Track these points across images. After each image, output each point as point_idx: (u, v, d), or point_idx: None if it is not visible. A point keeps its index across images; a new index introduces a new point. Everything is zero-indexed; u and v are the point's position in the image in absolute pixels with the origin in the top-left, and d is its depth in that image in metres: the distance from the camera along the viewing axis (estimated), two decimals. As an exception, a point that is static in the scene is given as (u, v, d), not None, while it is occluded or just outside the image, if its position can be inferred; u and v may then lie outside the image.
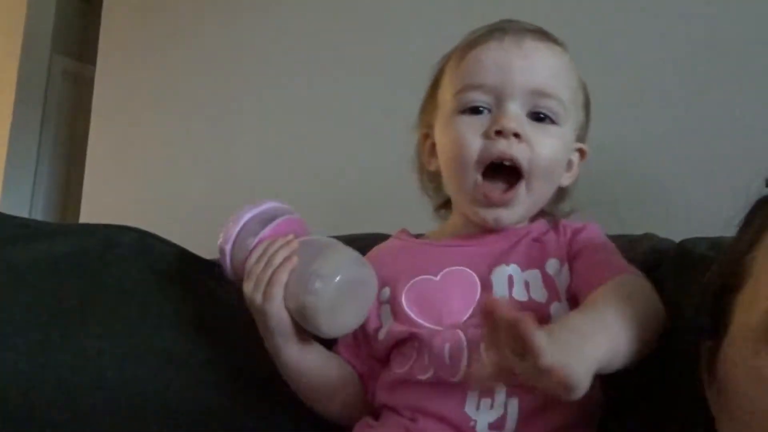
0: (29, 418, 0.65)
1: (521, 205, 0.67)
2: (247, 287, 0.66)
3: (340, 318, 0.65)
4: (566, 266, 0.66)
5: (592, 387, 0.45)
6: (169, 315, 0.75)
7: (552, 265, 0.66)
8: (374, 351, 0.69)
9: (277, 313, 0.65)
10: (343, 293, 0.64)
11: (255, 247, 0.68)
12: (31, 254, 0.75)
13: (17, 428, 0.64)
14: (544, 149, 0.65)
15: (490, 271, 0.66)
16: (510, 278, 0.65)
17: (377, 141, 1.24)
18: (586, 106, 0.73)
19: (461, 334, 0.61)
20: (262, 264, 0.66)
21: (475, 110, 0.66)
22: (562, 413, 0.59)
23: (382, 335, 0.67)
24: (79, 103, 2.69)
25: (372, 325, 0.68)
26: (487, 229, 0.69)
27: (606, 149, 0.85)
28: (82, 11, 2.86)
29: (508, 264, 0.66)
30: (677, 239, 0.71)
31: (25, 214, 2.61)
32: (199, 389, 0.72)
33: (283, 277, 0.64)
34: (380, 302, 0.68)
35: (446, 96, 0.70)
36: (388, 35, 1.29)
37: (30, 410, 0.65)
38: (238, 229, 0.69)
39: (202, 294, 0.79)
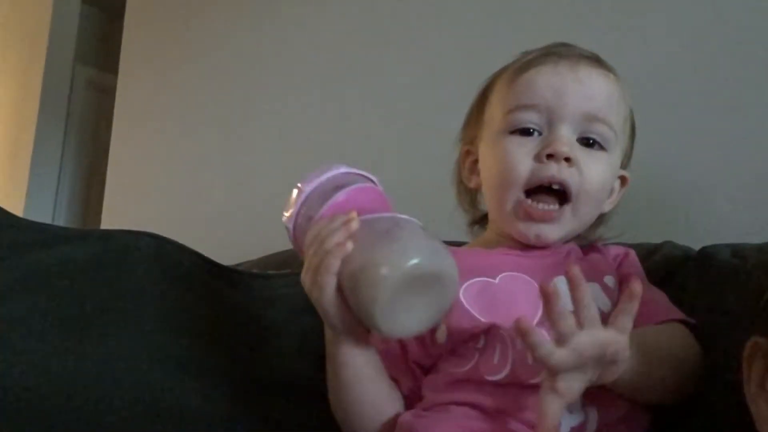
0: (47, 423, 0.65)
1: (565, 224, 0.67)
2: (302, 275, 0.59)
3: (404, 316, 0.55)
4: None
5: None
6: (186, 321, 0.75)
7: (609, 279, 0.66)
8: (424, 357, 0.65)
9: (330, 305, 0.57)
10: (410, 285, 0.53)
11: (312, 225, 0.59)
12: (49, 259, 0.75)
13: (35, 430, 0.64)
14: (593, 175, 0.66)
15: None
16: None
17: (396, 148, 1.24)
18: (633, 134, 0.73)
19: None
20: (313, 248, 0.58)
21: (526, 131, 0.67)
22: (636, 427, 0.60)
23: (441, 336, 0.62)
24: (102, 112, 2.73)
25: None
26: (528, 247, 0.68)
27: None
28: (104, 22, 2.91)
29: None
30: (696, 247, 0.70)
31: (48, 220, 2.65)
32: (216, 396, 0.72)
33: (334, 263, 0.56)
34: None
35: (496, 114, 0.70)
36: (405, 43, 1.29)
37: (48, 415, 0.65)
38: (300, 201, 0.61)
39: (220, 301, 0.79)
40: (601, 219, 0.73)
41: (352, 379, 0.62)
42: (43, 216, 2.66)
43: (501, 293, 0.64)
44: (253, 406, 0.73)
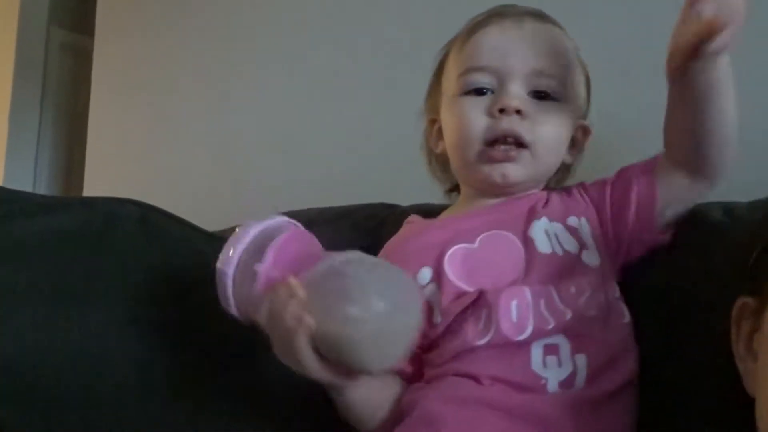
0: (35, 392, 0.65)
1: (527, 165, 0.68)
2: (278, 355, 0.58)
3: (390, 348, 0.56)
4: (584, 219, 0.68)
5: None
6: (173, 287, 0.75)
7: (573, 220, 0.68)
8: (423, 339, 0.64)
9: (320, 374, 0.57)
10: (384, 329, 0.54)
11: (260, 293, 0.58)
12: (33, 229, 0.74)
13: (24, 402, 0.64)
14: (547, 126, 0.68)
15: (525, 229, 0.67)
16: (546, 232, 0.67)
17: (381, 119, 1.22)
18: (587, 84, 0.74)
19: (527, 290, 0.62)
20: (274, 330, 0.57)
21: (479, 92, 0.69)
22: (623, 371, 0.61)
23: (437, 319, 0.64)
24: (79, 75, 2.67)
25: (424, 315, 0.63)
26: (499, 195, 0.71)
27: (612, 116, 0.84)
28: (78, -18, 2.82)
29: (539, 218, 0.67)
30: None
31: (28, 188, 2.61)
32: (206, 365, 0.72)
33: (303, 341, 0.54)
34: (422, 286, 0.65)
35: (450, 79, 0.72)
36: (394, 14, 1.26)
37: (36, 384, 0.65)
38: (240, 251, 0.60)
39: (206, 267, 0.79)
40: (567, 171, 0.76)
41: (366, 410, 0.62)
42: (23, 183, 2.62)
43: (482, 256, 0.66)
44: (244, 372, 0.73)
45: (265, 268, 0.58)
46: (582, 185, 0.73)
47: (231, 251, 0.60)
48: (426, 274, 0.66)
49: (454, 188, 0.80)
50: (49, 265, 0.71)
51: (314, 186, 1.26)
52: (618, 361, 0.61)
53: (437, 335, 0.64)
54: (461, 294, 0.63)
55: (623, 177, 0.69)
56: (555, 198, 0.71)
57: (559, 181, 0.76)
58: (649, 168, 0.67)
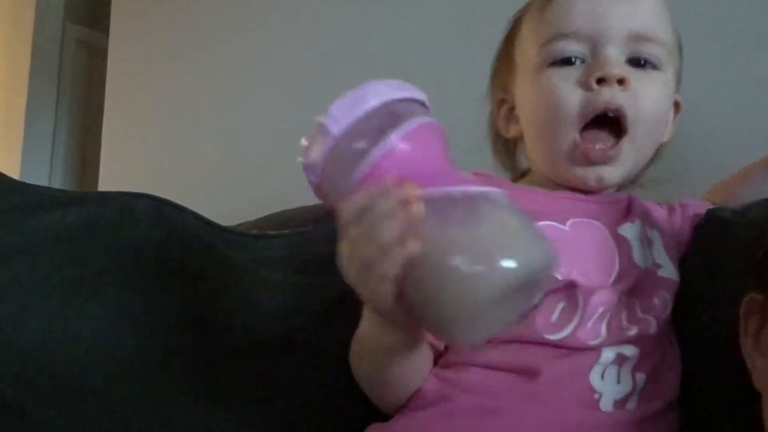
0: (50, 385, 0.66)
1: (626, 161, 0.60)
2: (345, 263, 0.44)
3: (485, 324, 0.42)
4: (656, 233, 0.63)
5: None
6: (186, 282, 0.75)
7: (652, 231, 0.63)
8: None
9: (387, 312, 0.45)
10: (502, 297, 0.40)
11: (356, 191, 0.43)
12: (47, 223, 0.75)
13: (38, 395, 0.65)
14: (650, 97, 0.59)
15: (617, 225, 0.60)
16: (638, 236, 0.61)
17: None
18: (680, 52, 0.66)
19: (616, 295, 0.56)
20: (361, 236, 0.42)
21: (567, 61, 0.60)
22: (670, 390, 0.58)
23: None
24: (94, 71, 2.69)
25: None
26: (586, 191, 0.62)
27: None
28: (93, -22, 2.84)
29: (632, 221, 0.61)
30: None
31: (44, 182, 2.64)
32: (216, 354, 0.73)
33: (392, 269, 0.41)
34: None
35: (529, 50, 0.63)
36: (405, 11, 1.26)
37: (51, 378, 0.66)
38: (328, 148, 0.43)
39: (220, 261, 0.80)
40: (658, 153, 0.66)
41: (396, 367, 0.53)
42: (39, 178, 2.64)
43: (573, 243, 0.58)
44: (252, 364, 0.74)
45: (392, 140, 0.42)
46: (668, 204, 0.69)
47: (343, 109, 0.44)
48: None
49: (522, 175, 0.70)
50: (64, 259, 0.72)
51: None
52: (667, 381, 0.58)
53: None
54: None
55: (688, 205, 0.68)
56: (637, 203, 0.65)
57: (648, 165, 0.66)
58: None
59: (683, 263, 0.64)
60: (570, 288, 0.55)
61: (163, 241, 0.77)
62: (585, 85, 0.58)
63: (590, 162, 0.59)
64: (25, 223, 0.74)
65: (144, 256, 0.75)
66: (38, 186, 0.82)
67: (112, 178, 1.89)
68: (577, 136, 0.59)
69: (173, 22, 1.78)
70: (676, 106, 0.67)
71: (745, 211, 0.64)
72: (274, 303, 0.68)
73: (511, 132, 0.67)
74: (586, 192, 0.62)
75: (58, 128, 2.80)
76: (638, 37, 0.59)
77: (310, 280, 0.75)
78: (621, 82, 0.57)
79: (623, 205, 0.64)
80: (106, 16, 2.02)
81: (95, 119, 2.19)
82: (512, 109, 0.67)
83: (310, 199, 0.92)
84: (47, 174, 2.76)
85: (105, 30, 2.03)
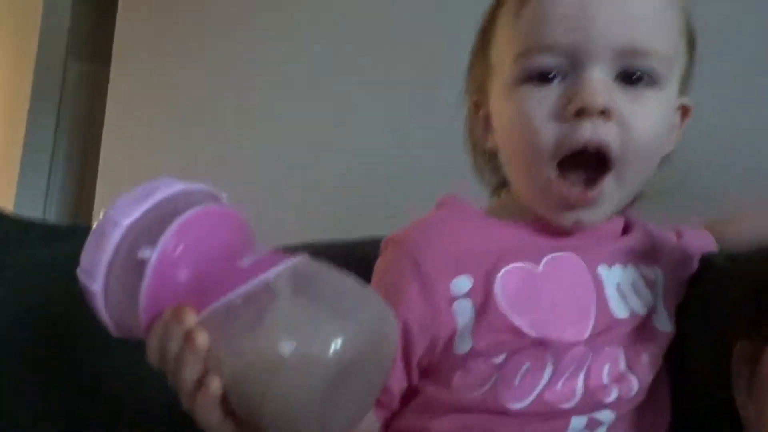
0: (51, 406, 0.65)
1: (609, 202, 0.51)
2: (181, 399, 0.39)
3: (332, 410, 0.36)
4: (660, 271, 0.56)
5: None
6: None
7: (647, 269, 0.56)
8: (427, 361, 0.49)
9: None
10: (330, 384, 0.34)
11: (147, 322, 0.37)
12: (41, 255, 0.74)
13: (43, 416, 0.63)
14: (643, 126, 0.49)
15: (596, 265, 0.53)
16: (619, 287, 0.53)
17: (400, 150, 1.22)
18: (692, 48, 0.54)
19: (595, 350, 0.49)
20: (171, 378, 0.39)
21: (543, 77, 0.50)
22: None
23: (462, 347, 0.48)
24: (94, 104, 2.70)
25: (438, 333, 0.48)
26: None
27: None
28: (96, 13, 2.88)
29: (612, 265, 0.53)
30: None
31: (38, 215, 2.63)
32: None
33: (208, 401, 0.37)
34: (452, 297, 0.49)
35: (503, 57, 0.53)
36: (391, 35, 1.28)
37: (49, 400, 0.65)
38: (112, 249, 0.37)
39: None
40: (662, 163, 0.56)
41: None
42: (33, 210, 2.64)
43: (546, 286, 0.50)
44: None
45: (155, 268, 0.36)
46: (676, 228, 0.62)
47: (125, 208, 0.38)
48: (463, 284, 0.49)
49: (503, 185, 0.61)
50: (55, 291, 0.71)
51: (324, 217, 1.26)
52: None
53: (448, 369, 0.48)
54: (508, 329, 0.48)
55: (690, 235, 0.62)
56: (637, 230, 0.57)
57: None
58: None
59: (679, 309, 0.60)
60: (539, 345, 0.47)
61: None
62: (562, 117, 0.48)
63: (569, 205, 0.50)
64: (17, 255, 0.73)
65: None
66: (31, 219, 0.81)
67: (107, 212, 1.88)
68: (552, 174, 0.50)
69: (175, 58, 1.79)
70: (683, 110, 0.56)
71: (741, 258, 0.63)
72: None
73: (489, 143, 0.57)
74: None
75: (55, 161, 2.80)
76: (630, 52, 0.48)
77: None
78: (604, 113, 0.47)
79: (617, 232, 0.56)
80: (109, 50, 2.04)
81: (92, 153, 2.19)
82: (489, 116, 0.56)
83: (309, 235, 0.91)
84: (42, 206, 2.75)
85: (106, 63, 2.05)
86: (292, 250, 0.64)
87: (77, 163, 2.85)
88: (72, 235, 0.77)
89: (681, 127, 0.56)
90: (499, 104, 0.54)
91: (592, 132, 0.48)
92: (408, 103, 1.21)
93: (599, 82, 0.48)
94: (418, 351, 0.49)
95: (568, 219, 0.52)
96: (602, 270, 0.53)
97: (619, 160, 0.49)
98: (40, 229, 0.78)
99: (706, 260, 0.65)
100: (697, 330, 0.59)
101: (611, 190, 0.50)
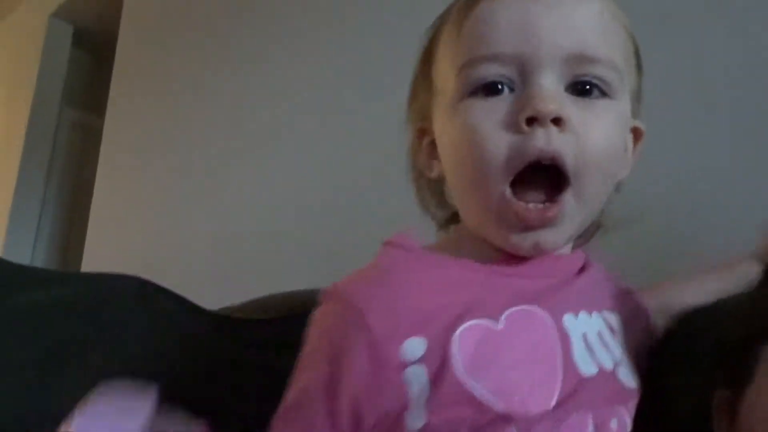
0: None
1: (569, 222, 0.47)
2: None
3: None
4: (617, 317, 0.52)
5: None
6: (168, 361, 0.74)
7: (610, 315, 0.51)
8: None
9: None
10: None
11: None
12: (31, 301, 0.74)
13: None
14: (597, 135, 0.46)
15: (561, 315, 0.47)
16: (585, 339, 0.47)
17: (385, 201, 1.24)
18: (639, 67, 0.52)
19: (558, 427, 0.42)
20: None
21: (492, 89, 0.46)
22: None
23: (415, 424, 0.41)
24: (86, 153, 2.73)
25: (388, 405, 0.42)
26: (521, 257, 0.49)
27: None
28: (93, 64, 2.93)
29: (577, 314, 0.48)
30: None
31: (26, 262, 2.61)
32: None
33: None
34: (406, 362, 0.42)
35: (446, 74, 0.50)
36: (392, 87, 1.31)
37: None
38: None
39: (204, 345, 0.79)
40: (617, 189, 0.54)
41: None
42: (21, 256, 2.62)
43: (508, 346, 0.44)
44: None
45: None
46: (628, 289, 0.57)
47: None
48: (416, 348, 0.42)
49: (452, 219, 0.56)
50: (44, 336, 0.71)
51: (314, 268, 1.26)
52: None
53: None
54: (467, 401, 0.41)
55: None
56: (593, 269, 0.52)
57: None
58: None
59: (658, 357, 0.59)
60: (502, 420, 0.41)
61: (146, 323, 0.76)
62: (514, 126, 0.45)
63: (527, 226, 0.46)
64: (6, 301, 0.73)
65: (126, 334, 0.74)
66: (21, 264, 0.82)
67: (96, 260, 1.88)
68: (506, 190, 0.46)
69: (168, 111, 1.83)
70: (636, 133, 0.53)
71: (718, 307, 0.64)
72: (256, 387, 0.67)
73: (435, 171, 0.53)
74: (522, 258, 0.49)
75: (46, 206, 2.80)
76: (579, 58, 0.46)
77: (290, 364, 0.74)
78: (557, 122, 0.45)
79: (577, 268, 0.51)
80: (104, 100, 2.07)
81: (83, 201, 2.20)
82: (434, 142, 0.52)
83: (299, 285, 0.92)
84: (29, 253, 2.74)
85: (101, 113, 2.08)
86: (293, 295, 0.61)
87: (67, 209, 2.85)
88: (64, 280, 0.77)
89: (634, 151, 0.53)
90: (444, 124, 0.50)
91: (545, 141, 0.44)
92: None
93: (550, 90, 0.45)
94: (367, 429, 0.42)
95: (527, 242, 0.46)
96: (568, 321, 0.47)
97: (576, 173, 0.45)
98: (32, 273, 0.79)
99: (682, 311, 0.66)
100: (676, 380, 0.60)
101: (571, 209, 0.46)
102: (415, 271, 0.47)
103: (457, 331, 0.43)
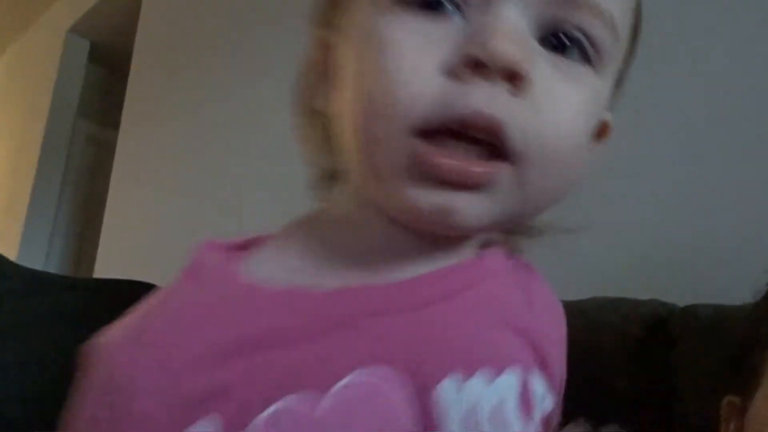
0: None
1: (500, 199, 0.32)
2: None
3: None
4: (538, 376, 0.33)
5: None
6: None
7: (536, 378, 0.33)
8: None
9: None
10: None
11: None
12: (43, 306, 0.76)
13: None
14: (564, 115, 0.32)
15: (434, 381, 0.30)
16: (464, 422, 0.29)
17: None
18: (633, 44, 0.37)
19: None
20: None
21: (433, 5, 0.31)
22: None
23: None
24: (99, 166, 2.76)
25: None
26: (421, 239, 0.34)
27: (613, 213, 0.86)
28: (109, 78, 2.98)
29: (465, 378, 0.30)
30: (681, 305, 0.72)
31: (40, 267, 2.64)
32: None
33: None
34: None
35: None
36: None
37: None
38: None
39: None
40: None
41: None
42: (35, 262, 2.65)
43: None
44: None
45: None
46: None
47: None
48: None
49: (335, 175, 0.40)
50: (57, 340, 0.72)
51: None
52: None
53: None
54: None
55: None
56: (513, 287, 0.36)
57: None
58: None
59: (666, 363, 0.61)
60: None
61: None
62: (450, 69, 0.30)
63: (439, 179, 0.30)
64: (20, 305, 0.75)
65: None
66: (35, 270, 0.83)
67: (108, 273, 1.89)
68: (416, 145, 0.30)
69: (182, 124, 1.85)
70: (602, 129, 0.37)
71: (726, 312, 0.65)
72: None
73: (321, 102, 0.38)
74: (417, 239, 0.34)
75: (59, 219, 2.84)
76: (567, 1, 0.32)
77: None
78: (513, 78, 0.30)
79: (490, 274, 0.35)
80: (118, 113, 2.10)
81: (96, 213, 2.23)
82: (333, 64, 0.36)
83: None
84: (42, 264, 2.77)
85: (115, 126, 2.11)
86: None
87: (80, 221, 2.88)
88: (80, 286, 0.79)
89: (595, 147, 0.36)
90: (357, 41, 0.33)
91: (486, 101, 0.30)
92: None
93: (514, 27, 0.30)
94: None
95: (429, 200, 0.31)
96: (445, 390, 0.30)
97: (521, 157, 0.31)
98: (48, 279, 0.80)
99: (691, 313, 0.67)
100: (685, 384, 0.60)
101: (508, 187, 0.31)
102: (210, 304, 0.33)
103: (265, 414, 0.28)
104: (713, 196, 0.87)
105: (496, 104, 0.30)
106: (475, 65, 0.30)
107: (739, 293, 0.70)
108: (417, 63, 0.31)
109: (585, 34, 0.33)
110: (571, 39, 0.32)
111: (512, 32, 0.30)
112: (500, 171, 0.31)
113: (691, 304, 0.69)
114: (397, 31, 0.31)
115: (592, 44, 0.33)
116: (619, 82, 0.38)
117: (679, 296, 0.76)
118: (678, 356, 0.63)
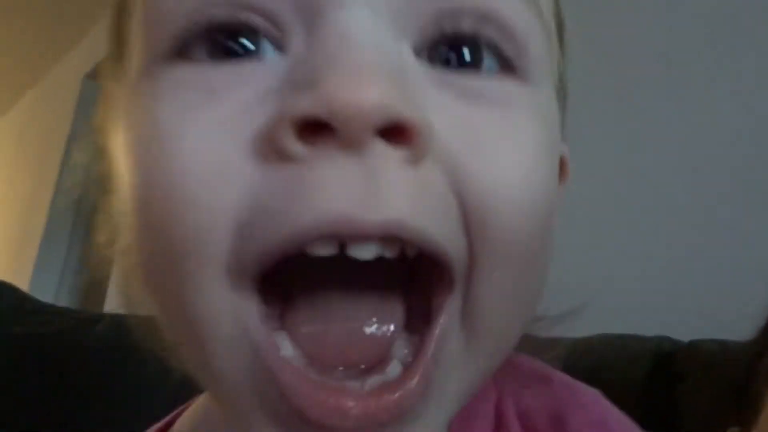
0: None
1: (446, 393, 0.21)
2: None
3: None
4: None
5: None
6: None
7: None
8: None
9: None
10: None
11: None
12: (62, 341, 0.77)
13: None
14: (508, 169, 0.20)
15: None
16: None
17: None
18: (560, 31, 0.27)
19: None
20: None
21: (229, 46, 0.20)
22: None
23: None
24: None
25: None
26: None
27: (615, 250, 0.87)
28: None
29: None
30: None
31: (50, 300, 2.66)
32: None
33: None
34: None
35: (135, 31, 0.24)
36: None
37: None
38: None
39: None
40: None
41: None
42: (46, 294, 2.67)
43: None
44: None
45: None
46: None
47: None
48: None
49: None
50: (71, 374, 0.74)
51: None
52: None
53: None
54: None
55: None
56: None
57: None
58: None
59: (670, 396, 0.63)
60: None
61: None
62: (272, 148, 0.18)
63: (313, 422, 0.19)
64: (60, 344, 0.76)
65: (156, 375, 0.76)
66: (56, 306, 0.85)
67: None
68: (249, 314, 0.20)
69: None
70: (562, 165, 0.27)
71: (730, 344, 0.66)
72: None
73: (106, 234, 0.28)
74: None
75: (67, 267, 2.84)
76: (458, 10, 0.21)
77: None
78: (399, 134, 0.18)
79: None
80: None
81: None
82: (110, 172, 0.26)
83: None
84: (54, 291, 2.78)
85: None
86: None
87: (89, 270, 2.89)
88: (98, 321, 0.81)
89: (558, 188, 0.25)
90: (124, 122, 0.23)
91: (359, 193, 0.18)
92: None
93: (369, 43, 0.19)
94: None
95: None
96: None
97: (469, 272, 0.20)
98: (69, 315, 0.82)
99: (697, 349, 0.68)
100: (690, 418, 0.61)
101: (458, 357, 0.21)
102: None
103: None
104: (719, 233, 0.88)
105: (385, 194, 0.17)
106: (314, 129, 0.17)
107: (746, 329, 0.71)
108: (211, 155, 0.18)
109: (495, 24, 0.20)
110: (475, 43, 0.20)
111: (367, 53, 0.18)
112: (440, 346, 0.19)
113: (697, 339, 0.70)
114: (165, 102, 0.19)
115: (509, 38, 0.21)
116: (562, 90, 0.26)
117: (685, 332, 0.77)
118: (684, 391, 0.64)
